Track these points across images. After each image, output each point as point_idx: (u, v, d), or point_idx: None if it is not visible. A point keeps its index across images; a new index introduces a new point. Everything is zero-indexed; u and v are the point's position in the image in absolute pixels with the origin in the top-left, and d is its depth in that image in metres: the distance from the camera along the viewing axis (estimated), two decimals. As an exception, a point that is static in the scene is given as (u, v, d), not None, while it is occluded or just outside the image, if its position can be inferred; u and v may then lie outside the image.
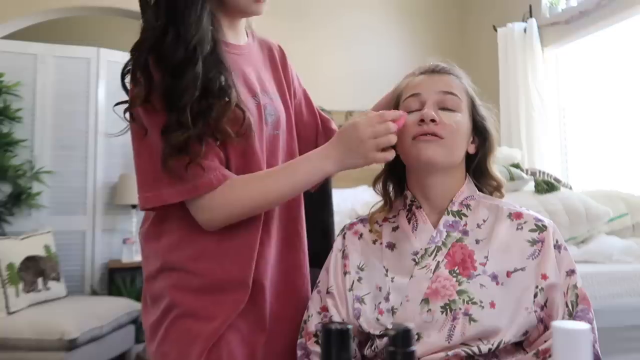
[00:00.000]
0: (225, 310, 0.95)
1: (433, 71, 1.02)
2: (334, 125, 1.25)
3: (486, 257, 0.91)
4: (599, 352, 0.87)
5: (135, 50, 0.93)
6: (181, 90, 0.89)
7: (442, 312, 0.87)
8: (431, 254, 0.92)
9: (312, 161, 0.94)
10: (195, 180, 0.90)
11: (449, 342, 0.85)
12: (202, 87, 0.90)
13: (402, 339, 0.48)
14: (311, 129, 1.21)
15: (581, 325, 0.45)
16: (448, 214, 0.95)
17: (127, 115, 0.95)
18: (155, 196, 0.93)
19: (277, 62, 1.14)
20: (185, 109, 0.88)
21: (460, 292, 0.88)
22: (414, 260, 0.93)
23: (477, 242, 0.93)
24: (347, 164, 0.93)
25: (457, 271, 0.90)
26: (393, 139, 0.90)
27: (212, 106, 0.90)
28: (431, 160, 0.93)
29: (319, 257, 1.08)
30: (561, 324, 0.43)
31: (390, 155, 0.91)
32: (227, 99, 0.91)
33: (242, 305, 0.96)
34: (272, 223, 1.03)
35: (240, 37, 1.07)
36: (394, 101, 1.05)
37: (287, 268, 1.06)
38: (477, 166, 1.02)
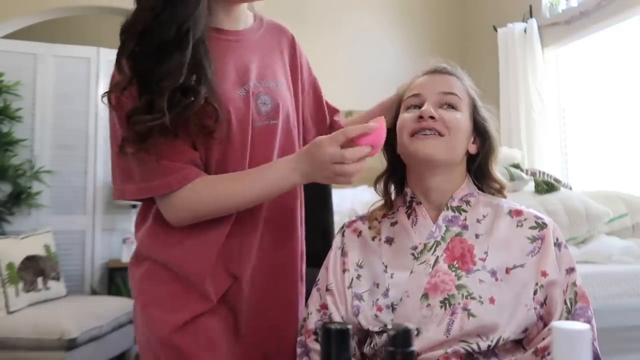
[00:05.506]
0: (191, 303, 0.95)
1: (435, 72, 1.02)
2: (337, 117, 1.23)
3: (486, 253, 0.91)
4: (599, 350, 0.87)
5: (125, 34, 0.87)
6: (163, 73, 0.85)
7: (442, 307, 0.87)
8: (430, 248, 0.92)
9: (280, 171, 0.93)
10: (154, 180, 0.91)
11: (447, 337, 0.85)
12: (187, 74, 0.86)
13: (401, 339, 0.48)
14: (319, 121, 1.19)
15: (581, 326, 0.45)
16: (447, 209, 0.95)
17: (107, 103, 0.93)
18: (118, 190, 0.95)
19: (286, 49, 1.11)
20: (163, 95, 0.85)
21: (459, 287, 0.88)
22: (413, 255, 0.93)
23: (477, 236, 0.93)
24: (314, 179, 0.92)
25: (457, 265, 0.90)
26: (352, 169, 0.87)
27: (185, 100, 0.87)
28: (429, 156, 0.93)
29: (318, 257, 1.08)
30: (561, 324, 0.43)
31: (350, 180, 0.89)
32: (193, 98, 0.88)
33: (211, 300, 0.96)
34: (259, 220, 1.01)
35: (239, 22, 1.03)
36: (396, 103, 1.06)
37: (274, 266, 1.04)
38: (478, 167, 1.02)
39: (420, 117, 0.94)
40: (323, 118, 1.21)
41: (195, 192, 0.92)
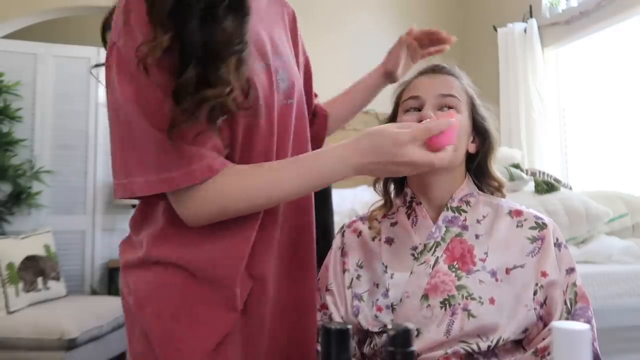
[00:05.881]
0: (216, 313, 0.82)
1: (433, 71, 1.02)
2: (316, 101, 1.14)
3: (486, 253, 0.91)
4: (599, 350, 0.87)
5: None
6: (222, 38, 0.73)
7: (442, 308, 0.87)
8: (430, 249, 0.92)
9: (329, 163, 0.79)
10: (172, 170, 0.75)
11: (447, 337, 0.85)
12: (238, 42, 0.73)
13: (401, 339, 0.48)
14: (308, 105, 1.07)
15: (581, 326, 0.45)
16: (447, 209, 0.95)
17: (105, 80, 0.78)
18: (122, 186, 0.78)
19: (288, 23, 1.02)
20: (219, 64, 0.72)
21: (459, 288, 0.88)
22: (413, 255, 0.93)
23: (477, 237, 0.93)
24: (370, 172, 0.80)
25: (457, 266, 0.90)
26: (433, 166, 0.78)
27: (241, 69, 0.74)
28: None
29: (318, 257, 1.08)
30: (561, 324, 0.43)
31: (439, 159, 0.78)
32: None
33: (236, 308, 0.83)
34: (278, 212, 0.90)
35: None
36: (394, 102, 1.05)
37: (294, 265, 0.93)
38: (477, 166, 1.02)
39: (420, 122, 0.93)
40: (310, 102, 1.10)
41: (224, 184, 0.77)
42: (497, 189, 1.03)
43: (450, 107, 0.96)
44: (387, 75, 1.18)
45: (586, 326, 0.46)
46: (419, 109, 0.96)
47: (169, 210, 0.81)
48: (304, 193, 0.85)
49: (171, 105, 0.73)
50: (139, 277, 0.85)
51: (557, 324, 0.43)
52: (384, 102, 1.21)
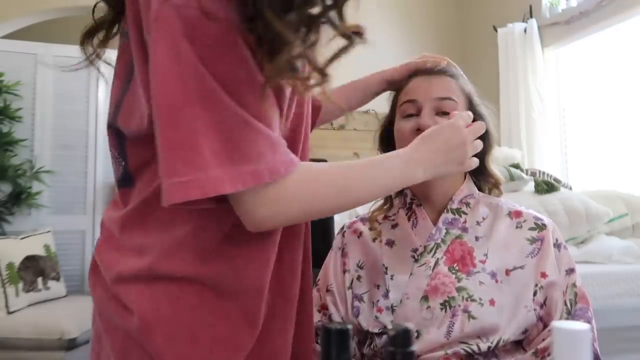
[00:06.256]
0: (239, 334, 0.72)
1: (429, 72, 1.00)
2: None
3: (486, 255, 0.91)
4: (599, 351, 0.87)
5: None
6: None
7: (442, 309, 0.87)
8: (430, 251, 0.92)
9: (399, 164, 0.76)
10: (250, 162, 0.61)
11: (447, 339, 0.85)
12: None
13: (401, 339, 0.48)
14: None
15: (581, 326, 0.45)
16: (447, 211, 0.95)
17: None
18: (183, 185, 0.59)
19: None
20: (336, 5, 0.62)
21: (459, 289, 0.88)
22: (414, 257, 0.93)
23: (477, 239, 0.93)
24: (438, 171, 0.79)
25: (457, 268, 0.90)
26: (480, 145, 0.83)
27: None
28: None
29: (318, 258, 1.08)
30: (561, 324, 0.43)
31: (475, 162, 0.83)
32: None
33: (256, 324, 0.73)
34: None
35: None
36: (391, 104, 1.04)
37: (283, 270, 0.81)
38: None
39: (419, 129, 0.92)
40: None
41: (309, 181, 0.67)
42: (494, 186, 1.02)
43: (445, 113, 0.94)
44: (390, 83, 1.14)
45: (586, 326, 0.46)
46: (417, 114, 0.95)
47: (189, 215, 0.68)
48: (377, 196, 0.79)
49: (266, 60, 0.60)
50: (141, 294, 0.70)
51: (557, 323, 0.43)
52: (384, 102, 1.21)
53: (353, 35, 0.68)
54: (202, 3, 0.58)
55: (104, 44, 0.80)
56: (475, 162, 0.83)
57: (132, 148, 0.74)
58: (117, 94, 0.77)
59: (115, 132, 0.77)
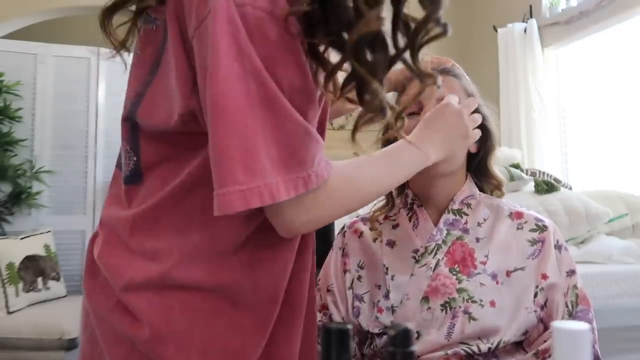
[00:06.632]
0: (249, 341, 0.69)
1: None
2: None
3: (486, 256, 0.91)
4: (599, 352, 0.87)
5: None
6: None
7: (442, 310, 0.87)
8: (431, 252, 0.92)
9: (412, 152, 0.78)
10: (305, 165, 0.60)
11: (448, 340, 0.85)
12: None
13: (401, 339, 0.48)
14: None
15: (581, 326, 0.45)
16: (449, 212, 0.95)
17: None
18: (242, 194, 0.56)
19: None
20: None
21: (460, 290, 0.88)
22: (414, 258, 0.93)
23: (478, 240, 0.93)
24: (447, 149, 0.83)
25: (458, 269, 0.90)
26: (479, 118, 0.90)
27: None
28: (433, 170, 0.91)
29: (319, 258, 1.08)
30: (561, 324, 0.43)
31: (478, 132, 0.91)
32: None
33: (267, 332, 0.71)
34: None
35: None
36: (395, 103, 1.04)
37: (292, 277, 0.77)
38: (478, 165, 1.02)
39: None
40: None
41: (344, 181, 0.67)
42: (496, 187, 1.02)
43: None
44: (393, 84, 1.13)
45: (587, 326, 0.46)
46: (418, 113, 0.95)
47: (209, 221, 0.64)
48: (396, 184, 0.82)
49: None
50: (151, 303, 0.66)
51: (558, 323, 0.43)
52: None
53: (425, 77, 0.69)
54: (268, 5, 0.57)
55: (130, 31, 0.75)
56: (478, 132, 0.89)
57: (148, 143, 0.70)
58: (139, 84, 0.72)
59: (130, 125, 0.72)
